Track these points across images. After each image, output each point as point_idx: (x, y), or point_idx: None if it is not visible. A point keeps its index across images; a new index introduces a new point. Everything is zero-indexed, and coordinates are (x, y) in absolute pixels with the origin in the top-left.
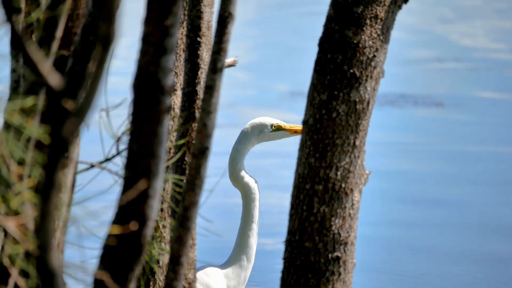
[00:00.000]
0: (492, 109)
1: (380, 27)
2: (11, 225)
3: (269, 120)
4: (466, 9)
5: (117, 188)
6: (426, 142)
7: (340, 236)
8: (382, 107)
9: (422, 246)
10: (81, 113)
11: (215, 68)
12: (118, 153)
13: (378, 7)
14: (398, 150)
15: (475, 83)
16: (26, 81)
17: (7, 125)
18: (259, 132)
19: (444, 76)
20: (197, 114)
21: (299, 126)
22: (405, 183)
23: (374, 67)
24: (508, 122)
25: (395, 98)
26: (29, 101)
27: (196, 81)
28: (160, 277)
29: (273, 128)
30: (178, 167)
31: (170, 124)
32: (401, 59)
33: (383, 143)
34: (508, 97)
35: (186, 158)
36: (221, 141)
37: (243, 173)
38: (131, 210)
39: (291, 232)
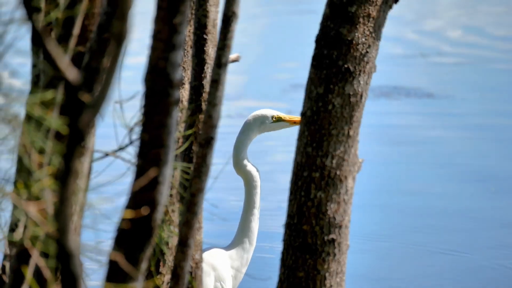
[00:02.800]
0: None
1: (372, 25)
2: (32, 209)
3: (270, 112)
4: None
5: (130, 175)
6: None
7: (335, 220)
8: (377, 99)
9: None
10: (96, 106)
11: (220, 63)
12: (131, 142)
13: (370, 7)
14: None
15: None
16: (46, 76)
17: (29, 117)
18: (261, 123)
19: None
20: (204, 106)
21: (298, 118)
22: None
23: (367, 62)
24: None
25: (390, 90)
26: (48, 95)
27: (203, 75)
28: (169, 257)
29: (274, 119)
30: (186, 156)
31: (179, 116)
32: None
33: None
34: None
35: (193, 148)
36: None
37: (246, 161)
38: (142, 196)
39: (290, 216)
